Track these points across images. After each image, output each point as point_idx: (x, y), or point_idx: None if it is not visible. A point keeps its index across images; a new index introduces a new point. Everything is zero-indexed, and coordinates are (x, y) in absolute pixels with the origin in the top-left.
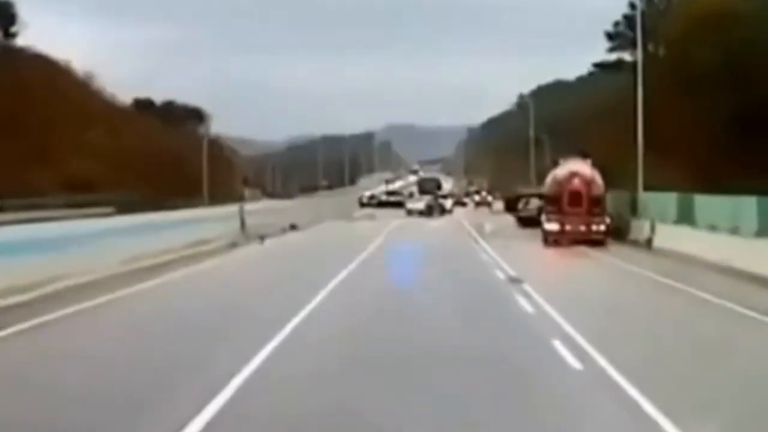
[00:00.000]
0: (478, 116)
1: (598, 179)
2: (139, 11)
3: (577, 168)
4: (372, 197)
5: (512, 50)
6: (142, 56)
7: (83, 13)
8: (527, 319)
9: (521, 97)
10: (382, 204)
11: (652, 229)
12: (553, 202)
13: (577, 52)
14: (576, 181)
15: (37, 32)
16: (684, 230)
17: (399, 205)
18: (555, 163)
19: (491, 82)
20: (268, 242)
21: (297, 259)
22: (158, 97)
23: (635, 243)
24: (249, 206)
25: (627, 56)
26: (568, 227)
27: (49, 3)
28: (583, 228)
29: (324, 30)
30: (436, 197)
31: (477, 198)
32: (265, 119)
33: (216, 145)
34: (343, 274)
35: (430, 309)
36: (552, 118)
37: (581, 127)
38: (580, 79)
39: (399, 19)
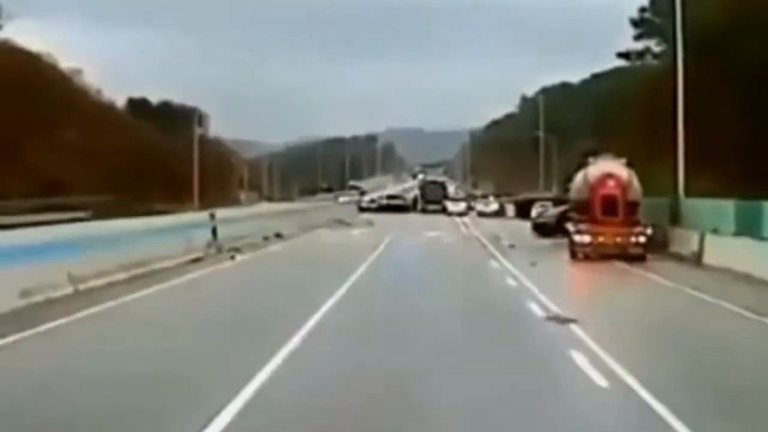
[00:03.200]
0: (481, 119)
1: (636, 182)
2: (141, 16)
3: (610, 169)
4: (372, 201)
5: (514, 53)
6: (141, 58)
7: (83, 19)
8: (606, 409)
9: (524, 98)
10: (383, 208)
11: (702, 241)
12: (583, 208)
13: (581, 55)
14: (610, 184)
15: (33, 34)
16: (747, 244)
17: (400, 209)
18: (582, 164)
19: (493, 84)
20: (240, 258)
21: (262, 286)
22: (157, 99)
23: (678, 257)
24: (236, 212)
25: (653, 45)
26: (601, 239)
27: (48, 9)
28: (619, 240)
29: (327, 32)
30: (468, 199)
31: (484, 202)
32: (268, 122)
33: (214, 146)
34: (317, 317)
35: (441, 390)
36: (558, 120)
37: (595, 128)
38: (585, 82)
39: (401, 21)
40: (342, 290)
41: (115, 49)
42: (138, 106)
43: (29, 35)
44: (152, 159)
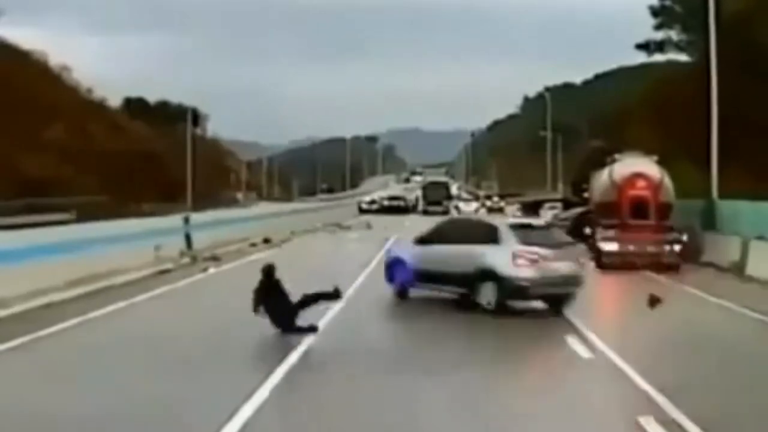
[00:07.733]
0: (483, 120)
1: (668, 182)
2: (142, 20)
3: (641, 168)
4: (372, 202)
5: (516, 54)
6: (142, 63)
7: (83, 20)
8: None
9: (526, 99)
10: (383, 209)
11: (745, 250)
12: (609, 212)
13: (582, 56)
14: (641, 185)
15: (30, 34)
16: None
17: (401, 210)
18: (602, 162)
19: (495, 85)
20: (215, 269)
21: (227, 310)
22: (155, 99)
23: (714, 267)
24: (221, 214)
25: (674, 35)
26: (631, 247)
27: (47, 11)
28: (650, 248)
29: (329, 35)
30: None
31: (488, 203)
32: (269, 123)
33: (211, 147)
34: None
35: None
36: (561, 120)
37: (599, 127)
38: (588, 82)
39: (403, 23)
40: (324, 325)
41: (115, 50)
42: (135, 105)
43: (27, 35)
44: (146, 159)
